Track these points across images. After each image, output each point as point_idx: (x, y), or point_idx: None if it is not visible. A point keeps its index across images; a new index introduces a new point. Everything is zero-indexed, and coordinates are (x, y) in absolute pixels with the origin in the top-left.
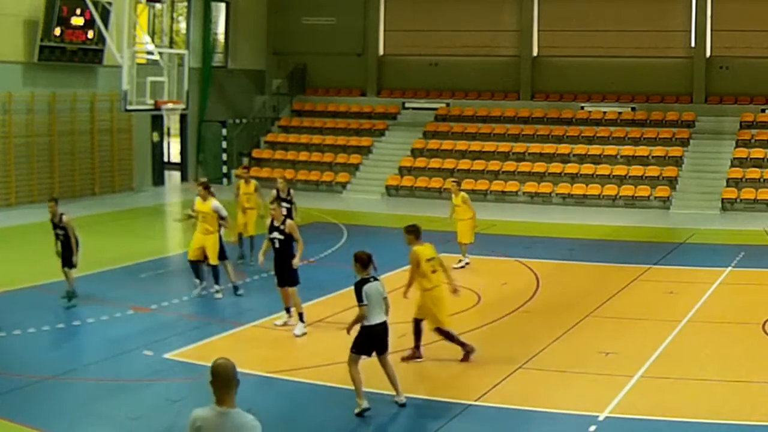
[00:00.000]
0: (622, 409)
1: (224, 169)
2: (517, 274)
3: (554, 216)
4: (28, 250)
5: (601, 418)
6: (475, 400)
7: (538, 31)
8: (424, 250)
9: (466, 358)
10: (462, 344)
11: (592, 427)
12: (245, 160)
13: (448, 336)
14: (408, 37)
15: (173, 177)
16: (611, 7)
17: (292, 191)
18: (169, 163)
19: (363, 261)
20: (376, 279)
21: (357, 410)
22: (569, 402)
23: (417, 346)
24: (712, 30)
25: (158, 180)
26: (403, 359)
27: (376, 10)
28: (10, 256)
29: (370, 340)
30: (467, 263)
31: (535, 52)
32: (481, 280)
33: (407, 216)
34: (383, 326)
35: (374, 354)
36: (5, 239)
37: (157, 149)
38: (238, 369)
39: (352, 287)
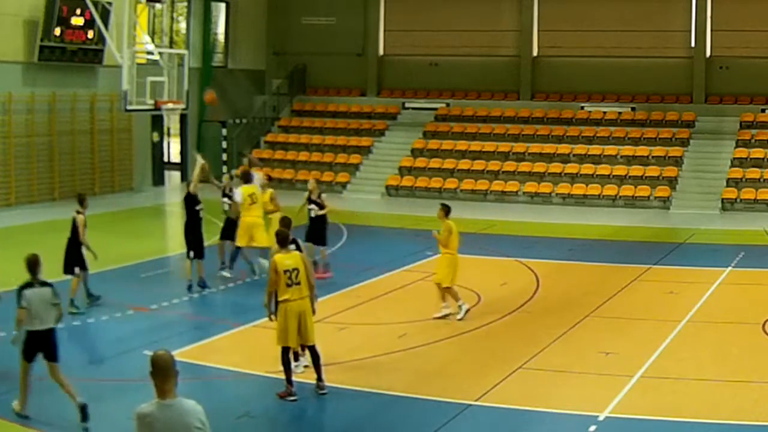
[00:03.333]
0: (622, 409)
1: (224, 169)
2: (517, 274)
3: (554, 216)
4: (28, 250)
5: (601, 418)
6: (475, 400)
7: (538, 31)
8: (283, 258)
9: (282, 395)
10: (290, 381)
11: (592, 427)
12: (244, 160)
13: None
14: (408, 37)
15: (173, 177)
16: (611, 7)
17: None
18: (169, 163)
19: (29, 264)
20: (45, 284)
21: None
22: (569, 402)
23: (289, 380)
24: (712, 30)
25: (158, 180)
26: (279, 395)
27: (376, 10)
28: (10, 256)
29: (33, 345)
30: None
31: (535, 52)
32: (481, 280)
33: (407, 216)
34: (49, 332)
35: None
36: (5, 239)
37: (157, 149)
38: (239, 369)
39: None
